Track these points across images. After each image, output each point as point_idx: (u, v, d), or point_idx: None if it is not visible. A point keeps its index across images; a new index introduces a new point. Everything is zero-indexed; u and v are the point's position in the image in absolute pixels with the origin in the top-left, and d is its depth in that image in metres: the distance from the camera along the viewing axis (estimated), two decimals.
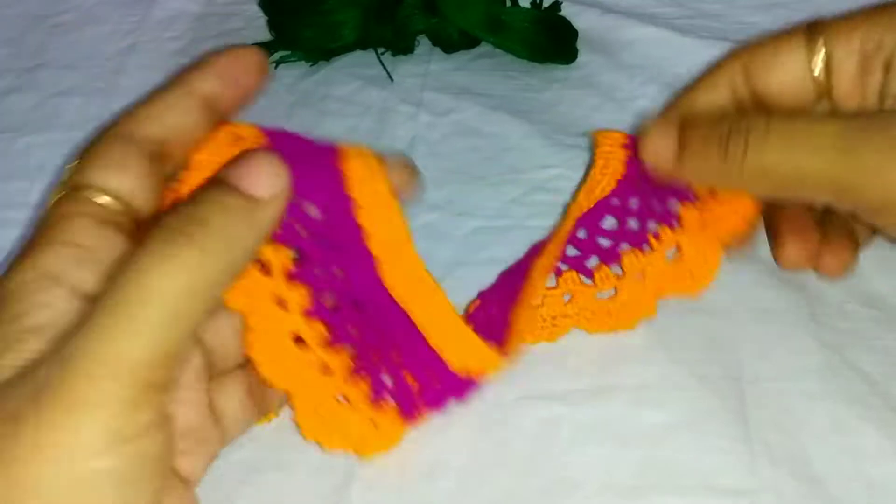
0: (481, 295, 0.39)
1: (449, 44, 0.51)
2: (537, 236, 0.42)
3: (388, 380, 0.35)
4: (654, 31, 0.52)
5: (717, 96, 0.37)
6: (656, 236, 0.38)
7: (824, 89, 0.36)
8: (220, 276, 0.28)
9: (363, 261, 0.33)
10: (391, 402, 0.35)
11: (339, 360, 0.33)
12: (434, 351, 0.34)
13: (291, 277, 0.32)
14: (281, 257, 0.32)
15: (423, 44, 0.52)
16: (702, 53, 0.42)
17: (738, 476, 0.35)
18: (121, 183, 0.30)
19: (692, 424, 0.36)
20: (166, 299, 0.26)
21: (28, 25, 0.55)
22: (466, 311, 0.39)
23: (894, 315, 0.40)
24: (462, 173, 0.46)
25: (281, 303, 0.32)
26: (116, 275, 0.27)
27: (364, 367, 0.34)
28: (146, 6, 0.56)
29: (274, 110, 0.50)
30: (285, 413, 0.37)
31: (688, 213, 0.37)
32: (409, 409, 0.35)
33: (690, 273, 0.38)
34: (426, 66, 0.51)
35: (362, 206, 0.32)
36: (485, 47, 0.52)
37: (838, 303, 0.40)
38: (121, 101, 0.50)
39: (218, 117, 0.32)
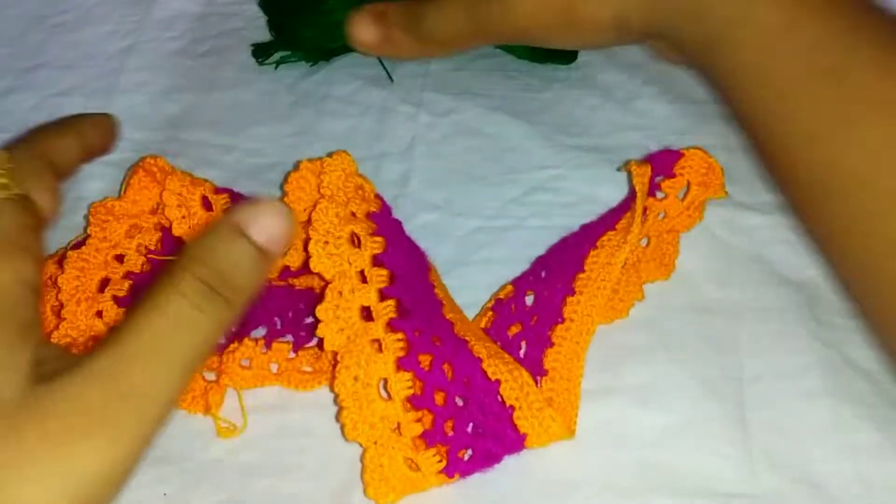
0: (495, 307, 0.39)
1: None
2: (537, 236, 0.42)
3: (464, 454, 0.35)
4: None
5: None
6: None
7: None
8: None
9: (460, 345, 0.35)
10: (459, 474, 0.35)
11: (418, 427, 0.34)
12: (517, 430, 0.35)
13: (400, 365, 0.34)
14: (389, 342, 0.34)
15: None
16: None
17: (737, 479, 0.35)
18: (42, 197, 0.33)
19: (692, 426, 0.36)
20: (187, 358, 0.28)
21: (28, 25, 0.55)
22: (477, 321, 0.39)
23: None
24: (462, 173, 0.46)
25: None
26: (150, 316, 0.28)
27: (442, 439, 0.35)
28: (146, 6, 0.56)
29: (274, 110, 0.50)
30: (286, 417, 0.37)
31: (651, 208, 0.40)
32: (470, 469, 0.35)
33: (660, 260, 0.41)
34: (426, 66, 0.51)
35: (445, 304, 0.37)
36: (485, 47, 0.52)
37: (838, 301, 0.40)
38: (121, 101, 0.50)
39: (83, 162, 0.38)
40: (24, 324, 0.28)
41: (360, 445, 0.34)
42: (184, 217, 0.37)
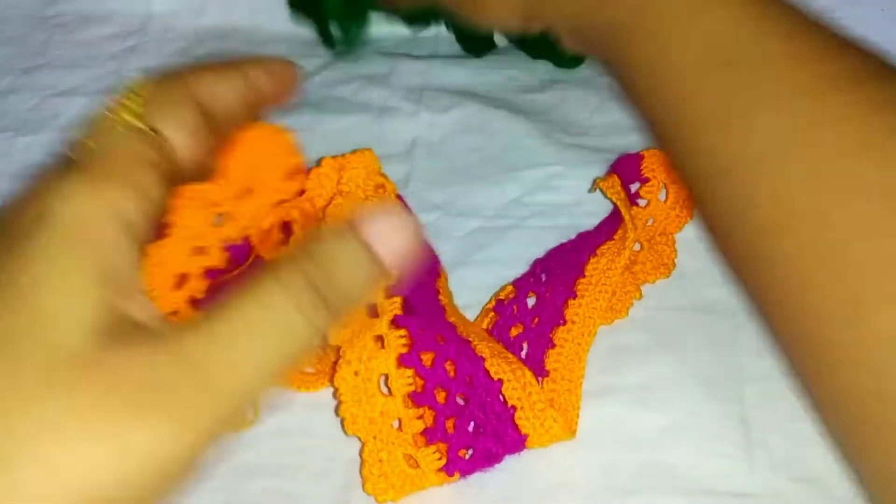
0: (496, 308, 0.39)
1: (473, 44, 0.50)
2: (537, 236, 0.42)
3: (465, 453, 0.35)
4: None
5: None
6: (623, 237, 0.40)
7: None
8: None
9: (462, 344, 0.35)
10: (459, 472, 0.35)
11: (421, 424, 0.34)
12: (518, 430, 0.35)
13: (401, 362, 0.34)
14: (392, 338, 0.34)
15: (425, 44, 0.52)
16: None
17: (737, 479, 0.35)
18: (177, 136, 0.30)
19: (692, 426, 0.36)
20: (275, 360, 0.25)
21: (29, 25, 0.55)
22: (478, 322, 0.39)
23: None
24: (462, 173, 0.46)
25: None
26: (246, 306, 0.25)
27: (443, 436, 0.34)
28: (147, 6, 0.56)
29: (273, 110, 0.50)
30: (286, 418, 0.37)
31: (638, 217, 0.41)
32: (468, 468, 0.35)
33: (657, 260, 0.41)
34: (427, 64, 0.51)
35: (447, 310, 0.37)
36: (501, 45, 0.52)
37: None
38: None
39: (249, 112, 0.33)
40: (107, 269, 0.25)
41: (360, 440, 0.34)
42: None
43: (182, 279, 0.36)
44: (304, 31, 0.53)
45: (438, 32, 0.52)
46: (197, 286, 0.36)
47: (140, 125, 0.29)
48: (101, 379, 0.23)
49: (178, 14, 0.55)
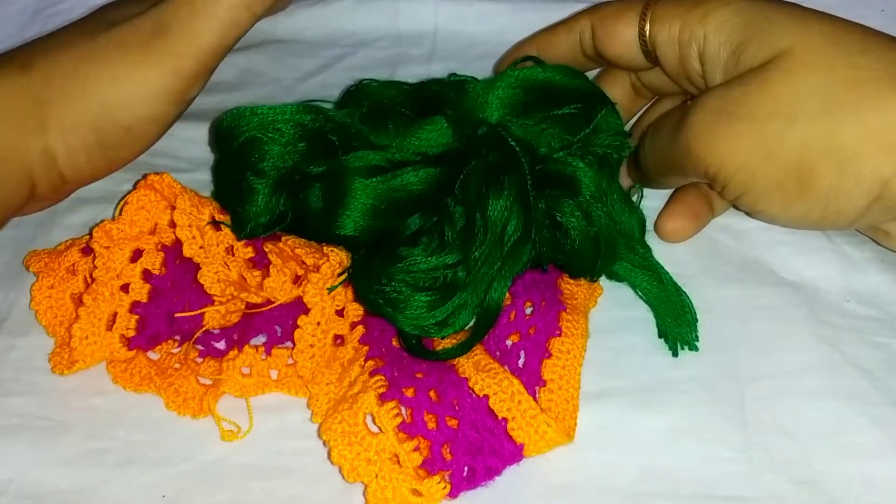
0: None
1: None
2: None
3: (467, 471, 0.35)
4: None
5: (568, 40, 0.43)
6: None
7: (654, 62, 0.41)
8: None
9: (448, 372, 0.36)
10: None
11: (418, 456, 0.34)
12: (514, 441, 0.35)
13: (382, 398, 0.34)
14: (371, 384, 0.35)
15: (423, 44, 0.52)
16: None
17: (737, 480, 0.35)
18: None
19: (692, 429, 0.36)
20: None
21: (27, 21, 0.55)
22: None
23: (892, 313, 0.40)
24: None
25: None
26: None
27: (442, 463, 0.34)
28: None
29: None
30: (286, 419, 0.37)
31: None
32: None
33: None
34: (427, 66, 0.51)
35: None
36: (483, 48, 0.51)
37: (836, 301, 0.40)
38: None
39: None
40: None
41: (363, 483, 0.34)
42: (194, 237, 0.37)
43: (112, 319, 0.38)
44: (307, 33, 0.53)
45: None
46: (126, 323, 0.38)
47: None
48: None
49: None
